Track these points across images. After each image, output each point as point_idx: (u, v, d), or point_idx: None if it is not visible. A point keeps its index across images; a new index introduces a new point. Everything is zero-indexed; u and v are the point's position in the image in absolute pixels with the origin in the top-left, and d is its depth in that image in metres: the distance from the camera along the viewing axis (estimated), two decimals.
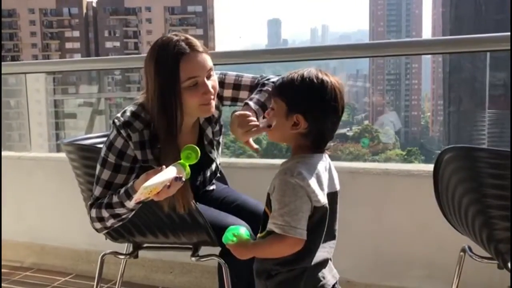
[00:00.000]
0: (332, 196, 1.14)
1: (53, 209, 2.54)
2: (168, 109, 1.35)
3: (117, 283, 1.93)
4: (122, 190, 1.35)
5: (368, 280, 1.99)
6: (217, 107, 1.54)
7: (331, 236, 1.15)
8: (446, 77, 48.67)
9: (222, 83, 1.54)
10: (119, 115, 1.42)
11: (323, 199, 1.08)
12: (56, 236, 2.55)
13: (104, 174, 1.40)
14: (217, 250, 1.52)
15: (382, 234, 1.97)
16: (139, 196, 1.19)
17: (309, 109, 1.08)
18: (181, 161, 1.22)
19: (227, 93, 1.56)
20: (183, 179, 1.22)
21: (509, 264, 1.24)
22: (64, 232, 2.52)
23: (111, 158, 1.39)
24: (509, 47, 1.78)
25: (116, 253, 1.63)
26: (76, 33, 67.61)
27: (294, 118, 1.08)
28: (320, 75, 1.09)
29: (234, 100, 1.58)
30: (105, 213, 1.39)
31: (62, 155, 2.94)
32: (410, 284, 1.94)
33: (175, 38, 1.37)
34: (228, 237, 1.11)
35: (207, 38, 65.95)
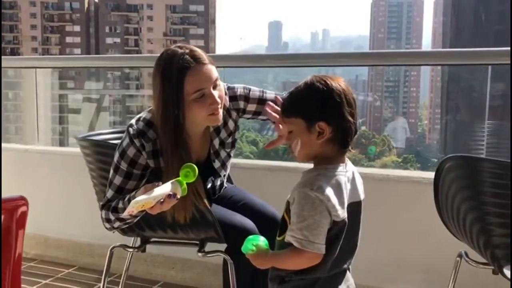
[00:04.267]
0: (355, 206, 1.14)
1: (57, 202, 2.59)
2: (172, 123, 1.38)
3: (122, 276, 1.98)
4: (127, 198, 1.40)
5: (366, 283, 2.03)
6: (234, 121, 1.58)
7: (352, 247, 1.16)
8: (445, 86, 48.86)
9: (247, 98, 1.58)
10: (133, 122, 1.46)
11: (343, 214, 1.09)
12: (60, 228, 2.59)
13: (116, 180, 1.45)
14: (222, 246, 1.57)
15: (381, 239, 2.01)
16: (131, 209, 1.22)
17: (327, 113, 1.09)
18: (179, 178, 1.25)
19: (251, 107, 1.59)
20: (178, 196, 1.25)
21: (504, 269, 1.30)
22: (68, 225, 2.56)
23: (123, 166, 1.44)
24: (509, 62, 1.82)
25: (125, 246, 1.68)
26: (77, 28, 67.42)
27: (317, 127, 1.09)
28: (319, 79, 1.10)
29: (257, 114, 1.61)
30: (111, 216, 1.46)
31: (68, 149, 2.99)
32: None
33: (180, 51, 1.38)
34: (248, 247, 1.12)
35: (208, 38, 65.93)
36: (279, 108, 1.49)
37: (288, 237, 1.08)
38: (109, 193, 1.46)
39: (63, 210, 2.57)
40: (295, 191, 1.09)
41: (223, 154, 1.60)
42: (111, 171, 1.46)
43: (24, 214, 0.93)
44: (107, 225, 1.49)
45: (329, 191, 1.07)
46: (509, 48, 1.79)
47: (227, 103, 1.55)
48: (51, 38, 67.95)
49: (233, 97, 1.57)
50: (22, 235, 0.96)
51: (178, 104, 1.37)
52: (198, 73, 1.38)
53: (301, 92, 1.12)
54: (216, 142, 1.57)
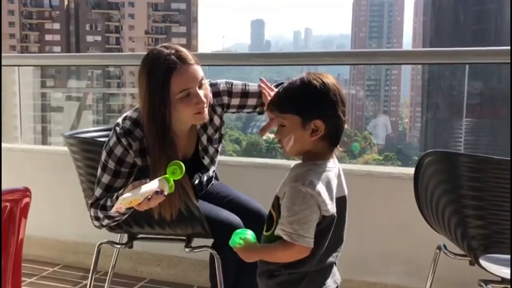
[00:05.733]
0: (341, 201, 1.16)
1: (42, 201, 2.56)
2: (158, 122, 1.40)
3: (109, 273, 1.99)
4: (115, 196, 1.42)
5: (348, 276, 2.08)
6: (219, 116, 1.60)
7: (339, 241, 1.19)
8: (425, 85, 49.56)
9: (229, 92, 1.60)
10: (119, 121, 1.47)
11: (332, 208, 1.11)
12: (44, 227, 2.57)
13: (104, 178, 1.47)
14: (209, 241, 1.60)
15: (363, 232, 2.06)
16: (119, 205, 1.24)
17: (323, 111, 1.10)
18: (166, 175, 1.27)
19: (235, 101, 1.62)
20: (165, 193, 1.27)
21: (480, 260, 1.36)
22: (52, 223, 2.55)
23: (111, 165, 1.45)
24: (509, 61, 1.86)
25: (112, 243, 1.70)
26: (57, 26, 66.40)
27: (312, 125, 1.10)
28: (316, 77, 1.11)
29: (241, 107, 1.64)
30: (100, 214, 1.47)
31: (53, 147, 2.98)
32: (388, 280, 2.05)
33: (166, 51, 1.40)
34: (236, 241, 1.13)
35: (190, 36, 65.60)
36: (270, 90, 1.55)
37: (278, 230, 1.10)
38: (98, 191, 1.48)
39: (47, 209, 2.56)
40: (286, 185, 1.11)
41: (211, 150, 1.63)
42: (99, 170, 1.47)
43: (27, 205, 1.00)
44: (96, 223, 1.51)
45: (320, 187, 1.09)
46: (509, 48, 1.83)
47: (211, 100, 1.57)
48: (30, 36, 66.78)
49: (217, 93, 1.59)
50: (25, 223, 1.03)
51: (164, 104, 1.39)
52: (184, 74, 1.39)
53: (298, 89, 1.12)
54: (204, 138, 1.59)
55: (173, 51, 1.40)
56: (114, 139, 1.45)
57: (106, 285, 2.01)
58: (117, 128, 1.45)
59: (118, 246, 1.71)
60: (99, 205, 1.47)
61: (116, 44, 66.27)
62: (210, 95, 1.54)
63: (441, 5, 54.85)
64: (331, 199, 1.11)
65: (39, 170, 2.59)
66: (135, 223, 1.58)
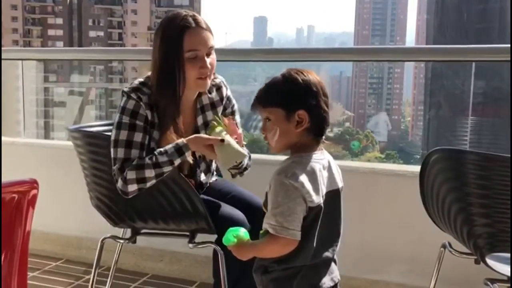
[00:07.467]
0: (333, 194, 1.15)
1: (45, 195, 2.55)
2: (172, 76, 1.45)
3: (112, 268, 1.98)
4: (173, 149, 1.42)
5: (351, 274, 2.08)
6: (224, 107, 1.65)
7: (335, 235, 1.17)
8: (428, 83, 49.49)
9: (228, 103, 1.68)
10: (127, 85, 1.53)
11: (318, 199, 1.10)
12: (47, 221, 2.56)
13: (122, 135, 1.47)
14: (212, 237, 1.59)
15: (366, 230, 2.06)
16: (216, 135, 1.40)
17: (306, 102, 1.11)
18: (221, 127, 1.41)
19: (229, 109, 1.69)
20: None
21: (486, 258, 1.35)
22: (55, 218, 2.55)
23: (125, 119, 1.48)
24: (509, 59, 1.85)
25: (115, 237, 1.69)
26: (59, 21, 66.34)
27: (296, 116, 1.11)
28: (296, 71, 1.14)
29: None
30: (151, 173, 1.42)
31: (56, 142, 2.97)
32: (391, 278, 2.04)
33: (184, 13, 1.49)
34: (229, 239, 1.13)
35: None
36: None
37: (265, 224, 1.11)
38: (119, 152, 1.45)
39: (50, 203, 2.54)
40: (271, 179, 1.12)
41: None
42: (114, 132, 1.48)
43: (34, 196, 1.00)
44: (134, 187, 1.42)
45: (303, 178, 1.09)
46: (508, 46, 1.82)
47: (224, 92, 1.63)
48: (33, 31, 66.73)
49: (220, 90, 1.66)
50: (32, 215, 1.03)
51: (178, 57, 1.44)
52: (196, 35, 1.47)
53: (279, 83, 1.14)
54: (200, 120, 1.61)
55: (190, 14, 1.49)
56: (124, 98, 1.50)
57: (108, 280, 2.01)
58: (125, 89, 1.51)
59: (121, 241, 1.71)
60: (144, 165, 1.41)
61: (118, 40, 66.21)
62: (223, 90, 1.61)
63: (444, 3, 54.67)
64: (316, 190, 1.10)
65: (42, 164, 2.58)
66: (139, 218, 1.57)
